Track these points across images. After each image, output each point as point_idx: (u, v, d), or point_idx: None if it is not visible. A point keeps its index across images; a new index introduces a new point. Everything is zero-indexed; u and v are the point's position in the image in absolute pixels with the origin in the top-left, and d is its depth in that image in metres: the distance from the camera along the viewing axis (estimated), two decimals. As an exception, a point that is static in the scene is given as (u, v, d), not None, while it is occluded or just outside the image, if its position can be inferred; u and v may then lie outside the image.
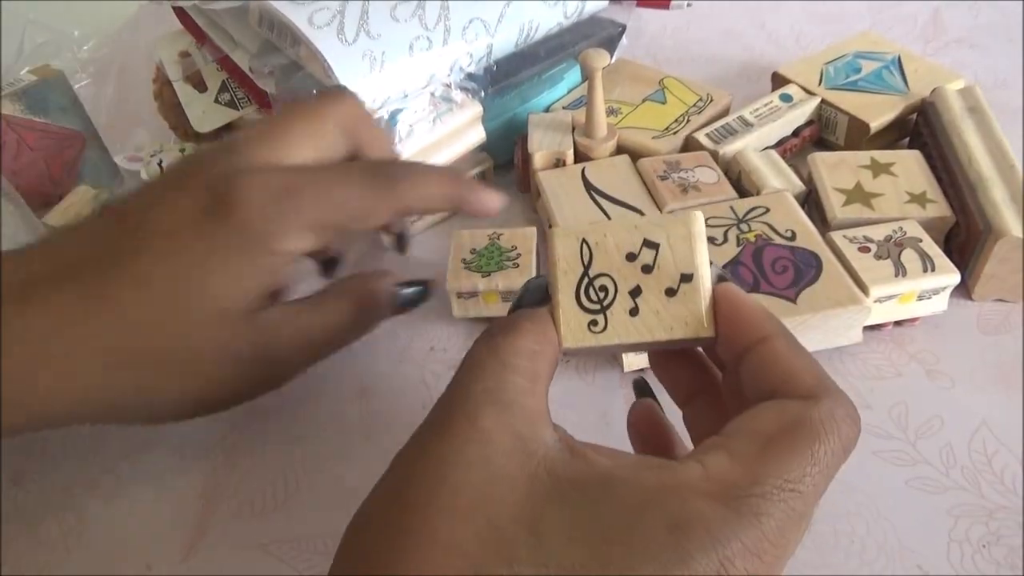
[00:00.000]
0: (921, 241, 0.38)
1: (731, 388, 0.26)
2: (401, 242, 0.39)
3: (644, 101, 0.49)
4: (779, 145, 0.47)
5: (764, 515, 0.19)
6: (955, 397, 0.35)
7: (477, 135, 0.46)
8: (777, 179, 0.42)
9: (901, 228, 0.38)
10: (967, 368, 0.36)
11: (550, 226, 0.43)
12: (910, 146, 0.47)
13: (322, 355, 0.33)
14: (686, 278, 0.24)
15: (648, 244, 0.25)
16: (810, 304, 0.35)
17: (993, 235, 0.37)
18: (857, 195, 0.41)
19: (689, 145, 0.46)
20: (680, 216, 0.25)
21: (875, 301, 0.36)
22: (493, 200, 0.34)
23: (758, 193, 0.42)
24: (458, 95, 0.45)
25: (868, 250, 0.37)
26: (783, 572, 0.21)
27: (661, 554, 0.19)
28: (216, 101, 0.51)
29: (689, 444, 0.28)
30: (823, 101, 0.48)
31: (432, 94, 0.45)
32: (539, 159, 0.45)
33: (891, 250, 0.37)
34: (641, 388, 0.30)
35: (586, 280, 0.25)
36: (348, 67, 0.42)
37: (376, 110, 0.43)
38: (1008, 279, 0.38)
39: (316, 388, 0.38)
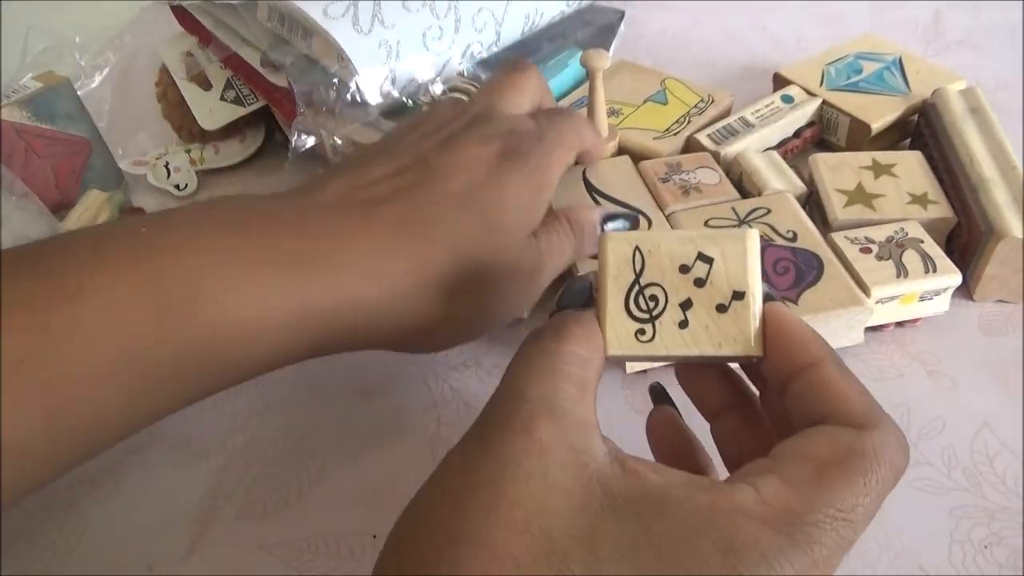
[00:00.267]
0: (922, 242, 0.38)
1: (772, 407, 0.26)
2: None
3: (645, 102, 0.49)
4: (780, 146, 0.47)
5: (817, 544, 0.20)
6: (957, 398, 0.35)
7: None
8: (778, 180, 0.42)
9: (903, 229, 0.38)
10: (969, 369, 0.36)
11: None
12: (911, 147, 0.47)
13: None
14: (738, 295, 0.24)
15: (702, 258, 0.24)
16: (812, 305, 0.35)
17: (994, 236, 0.37)
18: (858, 196, 0.41)
19: (690, 146, 0.46)
20: (736, 232, 0.24)
21: (877, 302, 0.36)
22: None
23: (759, 194, 0.42)
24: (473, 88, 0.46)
25: (870, 251, 0.37)
26: None
27: None
28: (222, 99, 0.52)
29: (715, 455, 0.28)
30: (824, 102, 0.48)
31: (443, 87, 0.46)
32: (540, 160, 0.45)
33: (892, 251, 0.37)
34: (658, 394, 0.30)
35: (636, 288, 0.24)
36: (365, 56, 0.43)
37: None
38: (1009, 280, 0.38)
39: (318, 388, 0.38)
